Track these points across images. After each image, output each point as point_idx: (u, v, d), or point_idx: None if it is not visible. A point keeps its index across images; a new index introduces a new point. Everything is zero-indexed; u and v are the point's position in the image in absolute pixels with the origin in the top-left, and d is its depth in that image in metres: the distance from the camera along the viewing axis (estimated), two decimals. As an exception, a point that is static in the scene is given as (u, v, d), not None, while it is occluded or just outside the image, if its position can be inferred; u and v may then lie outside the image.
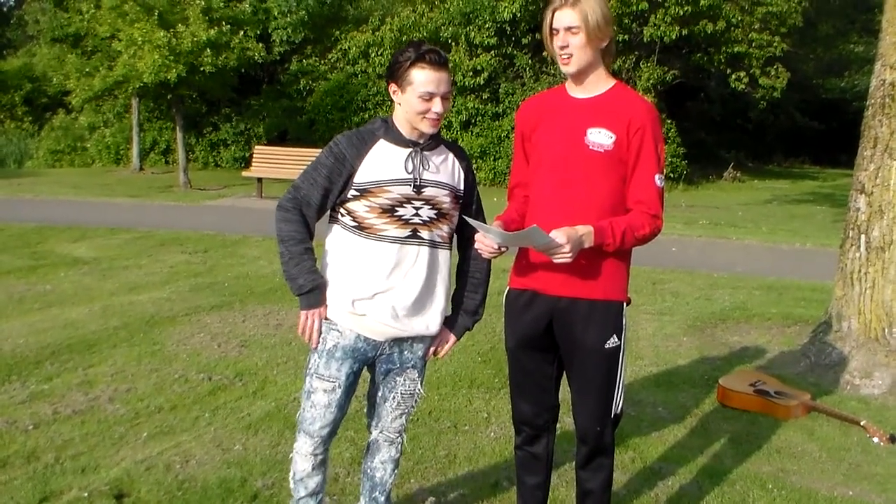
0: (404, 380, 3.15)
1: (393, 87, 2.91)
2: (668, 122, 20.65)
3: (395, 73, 2.89)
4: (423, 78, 2.83)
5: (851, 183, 6.05)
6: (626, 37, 19.88)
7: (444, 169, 3.01)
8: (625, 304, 3.07)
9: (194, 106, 23.59)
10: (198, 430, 4.68)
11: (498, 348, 6.16)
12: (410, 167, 2.92)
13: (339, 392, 3.03)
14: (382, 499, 3.31)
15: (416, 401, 3.25)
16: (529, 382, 3.23)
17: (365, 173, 2.89)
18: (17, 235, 11.34)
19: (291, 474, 3.21)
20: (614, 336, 3.03)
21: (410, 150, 2.93)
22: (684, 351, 6.52)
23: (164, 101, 20.66)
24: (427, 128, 2.90)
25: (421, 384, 3.22)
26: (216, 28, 17.54)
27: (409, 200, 2.91)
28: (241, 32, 18.65)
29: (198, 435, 4.60)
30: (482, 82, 21.24)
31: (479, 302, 3.22)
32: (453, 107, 21.70)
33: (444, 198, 2.99)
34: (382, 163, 2.90)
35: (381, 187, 2.88)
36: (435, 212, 2.97)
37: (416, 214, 2.93)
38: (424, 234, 2.95)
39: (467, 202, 3.12)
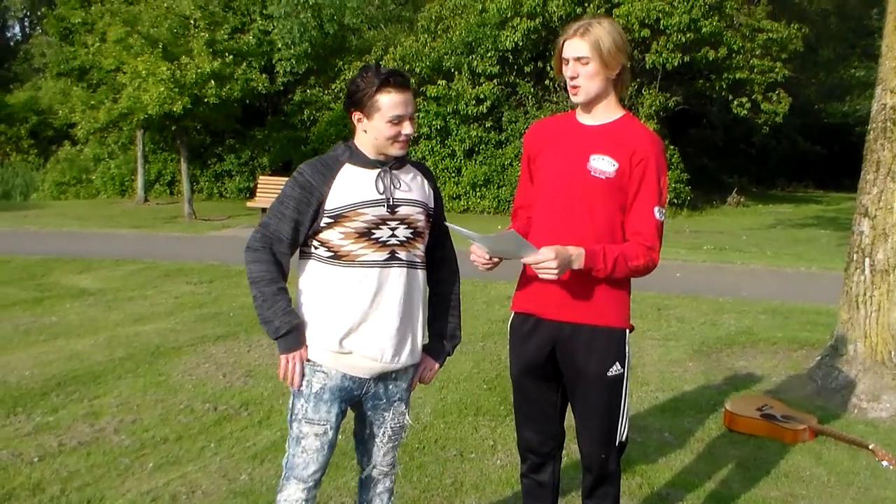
0: (392, 414, 3.06)
1: (357, 115, 2.82)
2: (672, 148, 20.69)
3: (359, 101, 2.79)
4: (390, 102, 2.75)
5: (855, 206, 6.06)
6: (628, 63, 19.94)
7: (415, 186, 2.95)
8: (628, 332, 3.05)
9: (199, 137, 23.70)
10: (203, 460, 4.67)
11: (503, 376, 6.15)
12: (381, 187, 2.84)
13: (332, 433, 2.93)
14: None
15: (405, 432, 3.18)
16: (534, 410, 3.22)
17: (335, 199, 2.79)
18: (22, 267, 11.37)
19: None
20: (617, 364, 3.01)
21: (379, 170, 2.85)
22: (690, 376, 6.50)
23: (169, 133, 20.77)
24: (397, 151, 2.84)
25: (408, 416, 3.14)
26: (220, 60, 17.66)
27: (384, 221, 2.83)
28: (245, 64, 18.78)
29: (203, 465, 4.59)
30: (485, 111, 21.32)
31: (456, 325, 3.16)
32: (456, 135, 21.80)
33: (418, 215, 2.92)
34: (352, 186, 2.81)
35: (354, 210, 2.79)
36: (411, 231, 2.89)
37: (393, 235, 2.84)
38: (402, 254, 2.87)
39: (436, 219, 3.05)
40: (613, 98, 3.00)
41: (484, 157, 21.68)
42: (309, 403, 2.89)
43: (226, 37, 18.61)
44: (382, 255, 2.83)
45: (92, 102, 19.60)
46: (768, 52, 21.00)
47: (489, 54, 21.08)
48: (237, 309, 8.68)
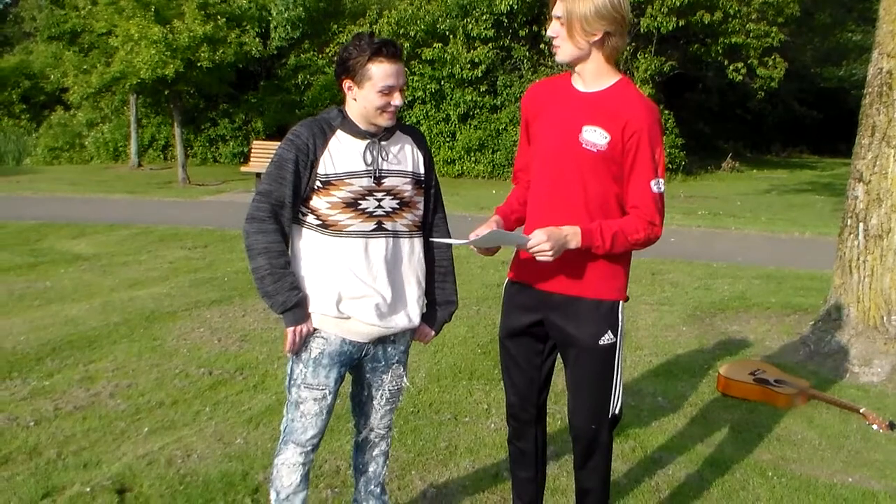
0: (391, 376, 3.10)
1: (348, 83, 2.80)
2: (667, 112, 20.63)
3: (350, 69, 2.77)
4: (382, 72, 2.73)
5: (850, 171, 6.06)
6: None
7: (403, 157, 2.95)
8: (621, 303, 3.01)
9: (192, 102, 23.55)
10: (199, 424, 4.69)
11: (498, 340, 6.16)
12: (370, 159, 2.84)
13: (330, 398, 2.96)
14: (378, 490, 3.29)
15: (402, 394, 3.21)
16: (517, 373, 3.21)
17: (326, 164, 2.81)
18: (16, 233, 11.34)
19: (274, 494, 3.06)
20: (609, 332, 2.97)
21: (368, 141, 2.85)
22: (684, 341, 6.53)
23: (162, 97, 20.62)
24: (385, 122, 2.83)
25: (406, 378, 3.17)
26: (212, 23, 17.52)
27: (370, 192, 2.84)
28: (238, 28, 18.63)
29: (199, 429, 4.61)
30: (480, 75, 21.22)
31: (451, 291, 3.18)
32: (451, 99, 21.70)
33: (405, 186, 2.92)
34: (342, 155, 2.83)
35: (342, 180, 2.81)
36: (397, 201, 2.90)
37: (379, 206, 2.86)
38: (388, 224, 2.89)
39: (427, 185, 3.05)
40: (602, 63, 2.87)
41: (479, 122, 21.61)
42: (308, 368, 2.91)
43: (218, 0, 18.45)
44: (369, 225, 2.85)
45: (84, 66, 19.44)
46: (764, 16, 20.85)
47: (484, 17, 20.96)
48: (232, 274, 8.69)
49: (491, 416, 4.88)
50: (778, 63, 21.13)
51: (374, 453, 3.22)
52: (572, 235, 2.78)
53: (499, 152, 21.02)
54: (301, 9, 22.12)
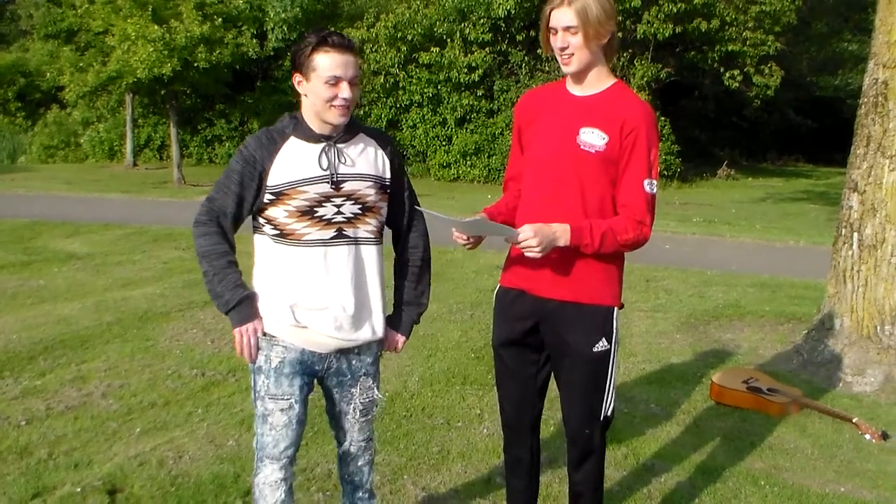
0: (360, 389, 2.96)
1: (297, 77, 2.71)
2: (663, 119, 20.68)
3: (297, 62, 2.69)
4: (327, 62, 2.63)
5: (845, 181, 6.06)
6: (619, 34, 19.84)
7: (365, 159, 2.81)
8: (616, 309, 2.98)
9: (188, 102, 23.56)
10: (191, 425, 4.67)
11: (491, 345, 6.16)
12: (325, 163, 2.72)
13: (298, 407, 2.83)
14: (366, 496, 3.18)
15: (376, 406, 3.08)
16: (512, 383, 3.19)
17: (277, 175, 2.69)
18: (9, 231, 11.31)
19: None
20: (603, 340, 2.94)
21: (323, 144, 2.73)
22: (677, 348, 6.53)
23: (159, 97, 20.66)
24: (335, 117, 2.69)
25: (377, 389, 3.03)
26: (209, 23, 17.52)
27: (328, 199, 2.72)
28: (235, 29, 18.64)
29: (191, 430, 4.60)
30: (477, 79, 21.27)
31: (422, 292, 3.06)
32: (448, 103, 21.71)
33: (367, 190, 2.79)
34: (294, 162, 2.70)
35: (295, 188, 2.69)
36: (359, 206, 2.78)
37: (339, 212, 2.74)
38: (349, 231, 2.77)
39: (396, 189, 2.93)
40: (604, 66, 2.90)
41: (475, 126, 21.64)
42: (270, 379, 2.80)
43: (215, 0, 18.44)
44: (328, 233, 2.74)
45: (80, 65, 19.44)
46: (761, 24, 20.92)
47: (481, 22, 21.00)
48: (226, 275, 8.66)
49: (484, 421, 4.88)
50: (774, 71, 21.19)
51: (360, 464, 3.10)
52: (561, 232, 2.76)
53: (495, 156, 21.04)
54: (298, 10, 22.13)
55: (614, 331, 2.98)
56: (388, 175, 2.88)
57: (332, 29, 2.79)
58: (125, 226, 12.08)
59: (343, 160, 2.76)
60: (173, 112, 19.46)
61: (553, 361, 3.10)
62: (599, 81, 2.91)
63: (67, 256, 9.60)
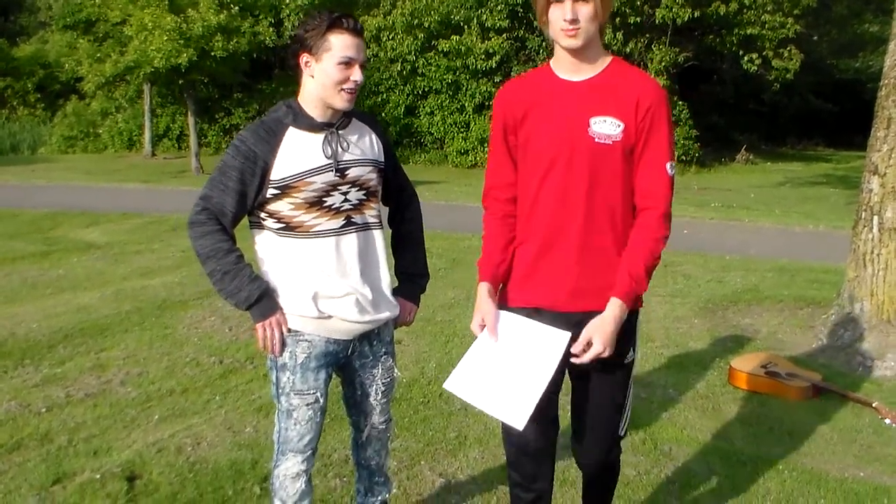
0: (381, 369, 2.95)
1: (305, 56, 2.61)
2: (681, 104, 20.57)
3: (307, 41, 2.59)
4: (342, 43, 2.56)
5: (865, 164, 6.01)
6: (637, 19, 19.77)
7: (363, 144, 2.78)
8: (639, 312, 2.75)
9: (206, 91, 23.61)
10: (209, 412, 4.70)
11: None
12: (329, 151, 2.66)
13: (322, 400, 2.81)
14: (383, 479, 3.19)
15: (395, 385, 3.07)
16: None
17: (281, 168, 2.61)
18: (30, 221, 11.40)
19: (279, 503, 2.90)
20: (631, 350, 2.72)
21: (325, 132, 2.67)
22: (696, 333, 6.50)
23: (176, 87, 20.68)
24: (342, 102, 2.63)
25: (396, 368, 3.03)
26: (226, 12, 17.54)
27: (335, 187, 2.67)
28: (252, 17, 18.66)
29: (209, 417, 4.62)
30: (494, 65, 21.20)
31: (423, 263, 3.07)
32: (466, 90, 21.66)
33: (369, 175, 2.77)
34: (298, 153, 2.63)
35: (302, 180, 2.62)
36: (363, 192, 2.76)
37: (346, 200, 2.71)
38: (357, 218, 2.75)
39: (389, 167, 2.90)
40: (599, 42, 2.59)
41: (493, 113, 21.58)
42: (296, 375, 2.75)
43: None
44: (337, 222, 2.70)
45: (98, 55, 19.52)
46: (780, 7, 20.70)
47: (499, 8, 20.92)
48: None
49: (501, 406, 4.86)
50: (794, 55, 20.98)
51: (377, 447, 3.10)
52: (619, 311, 2.53)
53: (512, 143, 20.98)
54: (315, -3, 22.13)
55: (637, 338, 2.78)
56: (382, 158, 2.87)
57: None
58: (144, 215, 12.14)
59: (345, 147, 2.72)
60: (191, 101, 19.52)
61: (574, 378, 2.80)
62: (595, 60, 2.59)
63: (87, 246, 9.66)
